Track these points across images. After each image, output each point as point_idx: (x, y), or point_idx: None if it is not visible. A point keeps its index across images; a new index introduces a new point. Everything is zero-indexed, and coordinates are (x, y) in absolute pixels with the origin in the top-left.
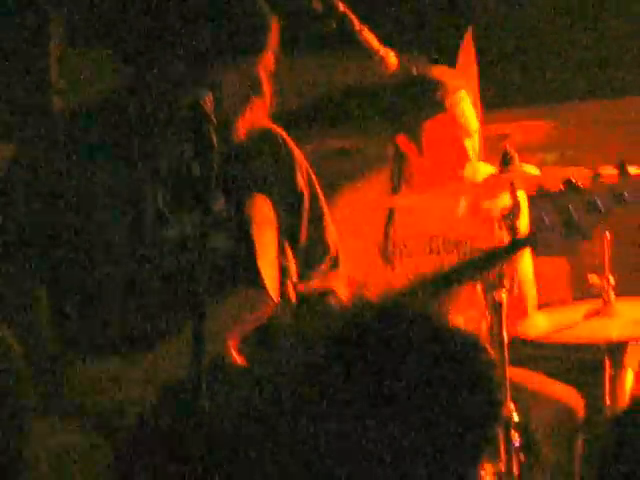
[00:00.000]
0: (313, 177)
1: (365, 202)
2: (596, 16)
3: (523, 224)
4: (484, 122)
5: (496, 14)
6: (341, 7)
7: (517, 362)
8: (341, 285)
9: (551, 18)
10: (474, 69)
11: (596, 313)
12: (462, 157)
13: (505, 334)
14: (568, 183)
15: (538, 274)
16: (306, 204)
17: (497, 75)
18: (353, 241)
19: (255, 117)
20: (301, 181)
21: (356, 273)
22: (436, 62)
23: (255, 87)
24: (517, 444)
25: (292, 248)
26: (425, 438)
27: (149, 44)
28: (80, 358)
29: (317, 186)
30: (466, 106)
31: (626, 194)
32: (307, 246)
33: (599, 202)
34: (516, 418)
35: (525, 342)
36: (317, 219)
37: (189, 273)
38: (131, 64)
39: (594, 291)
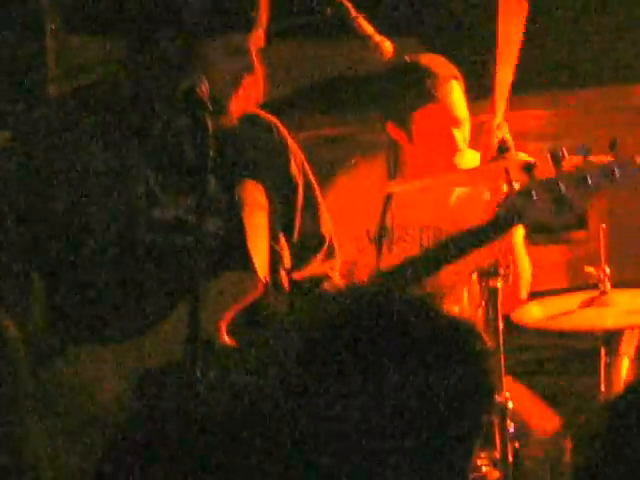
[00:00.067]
0: (307, 167)
1: (360, 189)
2: (598, 2)
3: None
4: (481, 110)
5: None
6: None
7: (513, 350)
8: (336, 272)
9: (551, 4)
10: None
11: (591, 302)
12: (451, 147)
13: (500, 321)
14: (555, 156)
15: (534, 263)
16: (300, 193)
17: (495, 62)
18: (344, 227)
19: (248, 97)
20: (295, 170)
21: (346, 258)
22: (430, 50)
23: (247, 65)
24: (512, 431)
25: (286, 237)
26: (419, 425)
27: (141, 22)
28: (73, 344)
29: (311, 176)
30: (457, 96)
31: (617, 171)
32: (301, 236)
33: (589, 179)
34: (511, 405)
35: (521, 330)
36: (312, 209)
37: (182, 256)
38: (126, 45)
39: (591, 281)
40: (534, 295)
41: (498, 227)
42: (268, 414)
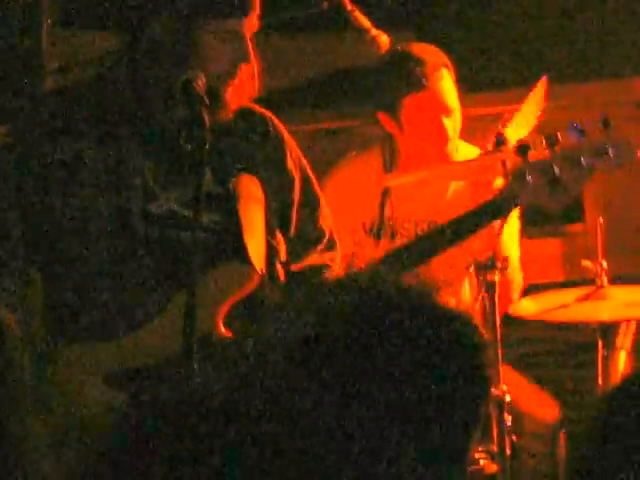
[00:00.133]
0: (304, 161)
1: (356, 182)
2: None
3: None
4: (479, 103)
5: None
6: None
7: (511, 344)
8: (336, 264)
9: None
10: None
11: (588, 297)
12: (441, 135)
13: (498, 314)
14: (549, 138)
15: (531, 257)
16: (296, 188)
17: (493, 55)
18: (341, 220)
19: (244, 87)
20: (291, 165)
21: (344, 251)
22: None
23: (242, 53)
24: (509, 424)
25: (283, 232)
26: (415, 418)
27: (136, 10)
28: (70, 341)
29: (309, 170)
30: (447, 84)
31: (611, 151)
32: (299, 231)
33: (583, 159)
34: (508, 399)
35: (518, 323)
36: (310, 203)
37: (178, 250)
38: (122, 36)
39: (587, 275)
40: (531, 288)
41: (494, 210)
42: (266, 406)
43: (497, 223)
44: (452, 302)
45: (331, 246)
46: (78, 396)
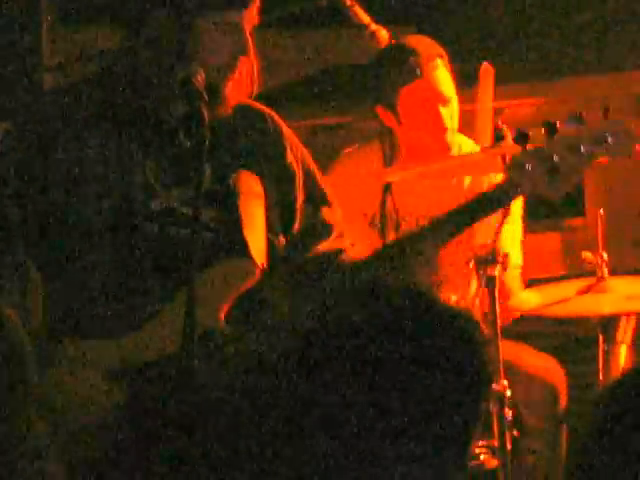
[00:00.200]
0: (307, 156)
1: (357, 175)
2: None
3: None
4: (476, 98)
5: None
6: None
7: (510, 338)
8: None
9: None
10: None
11: (589, 289)
12: (438, 124)
13: (498, 309)
14: (548, 126)
15: (531, 251)
16: (299, 183)
17: (491, 50)
18: (342, 211)
19: (243, 83)
20: (292, 160)
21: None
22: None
23: (241, 45)
24: (509, 419)
25: (287, 228)
26: (416, 415)
27: (137, 5)
28: (70, 340)
29: (312, 164)
30: (442, 74)
31: (609, 138)
32: (305, 226)
33: (582, 146)
34: (509, 393)
35: (518, 318)
36: (314, 198)
37: (177, 247)
38: (122, 31)
39: (587, 268)
40: (531, 283)
41: (494, 200)
42: (271, 402)
43: (498, 216)
44: (453, 298)
45: (341, 237)
46: (78, 395)
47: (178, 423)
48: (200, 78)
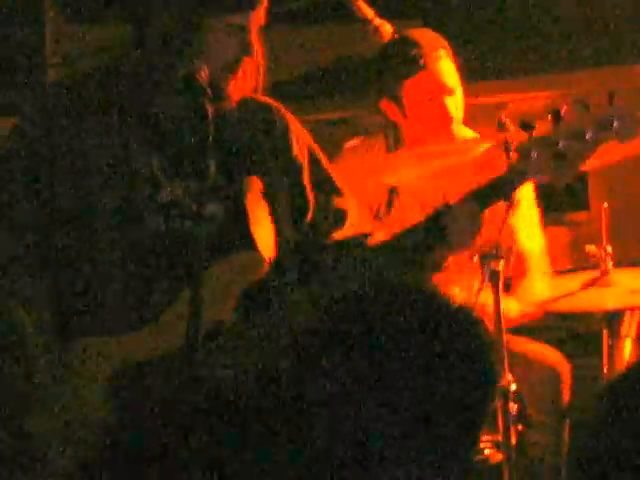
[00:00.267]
0: (315, 146)
1: (360, 169)
2: None
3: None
4: (481, 91)
5: None
6: None
7: (515, 332)
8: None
9: None
10: None
11: (593, 283)
12: (444, 115)
13: (502, 304)
14: (554, 113)
15: None
16: (305, 173)
17: (495, 43)
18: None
19: (247, 81)
20: (297, 151)
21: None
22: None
23: (246, 47)
24: (515, 413)
25: (300, 219)
26: (420, 412)
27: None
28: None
29: (320, 153)
30: (446, 65)
31: (615, 123)
32: (317, 214)
33: (587, 132)
34: (514, 387)
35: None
36: (323, 187)
37: (183, 241)
38: (126, 25)
39: (592, 261)
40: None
41: (500, 187)
42: (282, 395)
43: (502, 211)
44: (457, 293)
45: (358, 225)
46: (84, 393)
47: (183, 421)
48: (204, 74)
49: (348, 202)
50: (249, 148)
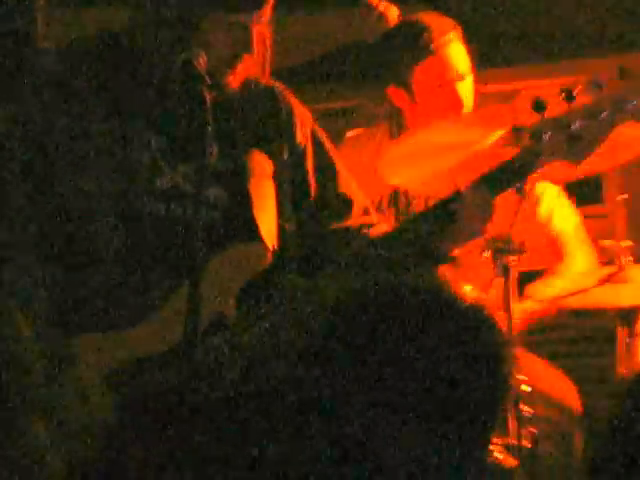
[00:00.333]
0: (320, 130)
1: (363, 159)
2: None
3: None
4: (491, 79)
5: None
6: None
7: (527, 330)
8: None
9: None
10: None
11: (609, 279)
12: (454, 102)
13: (513, 300)
14: (567, 93)
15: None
16: (309, 157)
17: (505, 28)
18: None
19: (247, 72)
20: (301, 135)
21: None
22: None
23: (246, 44)
24: (528, 415)
25: (303, 203)
26: (431, 414)
27: None
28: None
29: (324, 137)
30: (456, 48)
31: (629, 104)
32: (320, 200)
33: (601, 113)
34: (526, 388)
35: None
36: (326, 171)
37: (185, 228)
38: (121, 10)
39: (607, 256)
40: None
41: (512, 172)
42: (282, 394)
43: (513, 203)
44: (468, 289)
45: (365, 212)
46: (83, 392)
47: (183, 419)
48: (202, 60)
49: (351, 190)
50: (253, 132)
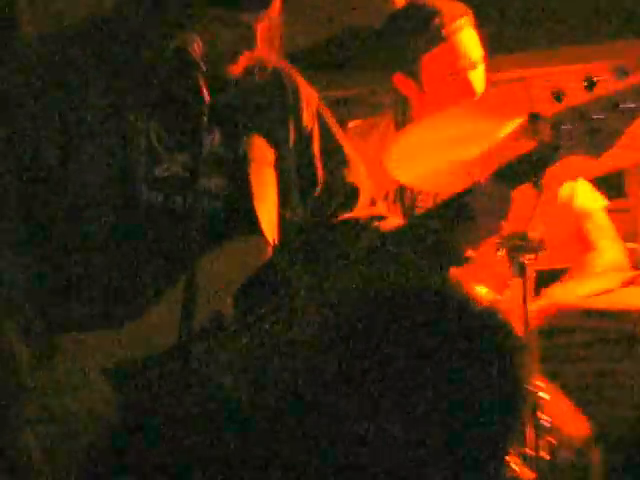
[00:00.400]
0: (325, 111)
1: (368, 149)
2: None
3: None
4: (503, 66)
5: None
6: None
7: (546, 334)
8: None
9: None
10: None
11: (633, 280)
12: (467, 91)
13: (530, 301)
14: (588, 81)
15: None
16: (315, 140)
17: (517, 11)
18: None
19: (249, 60)
20: (307, 117)
21: None
22: None
23: (248, 41)
24: (547, 425)
25: (308, 192)
26: (444, 425)
27: None
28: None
29: (330, 119)
30: (468, 34)
31: None
32: (327, 189)
33: (625, 102)
34: (545, 396)
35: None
36: (332, 156)
37: (183, 219)
38: None
39: (634, 260)
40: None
41: (531, 164)
42: (292, 402)
43: (530, 199)
44: (483, 291)
45: (372, 204)
46: (75, 394)
47: (176, 426)
48: (197, 47)
49: (359, 177)
50: (258, 113)
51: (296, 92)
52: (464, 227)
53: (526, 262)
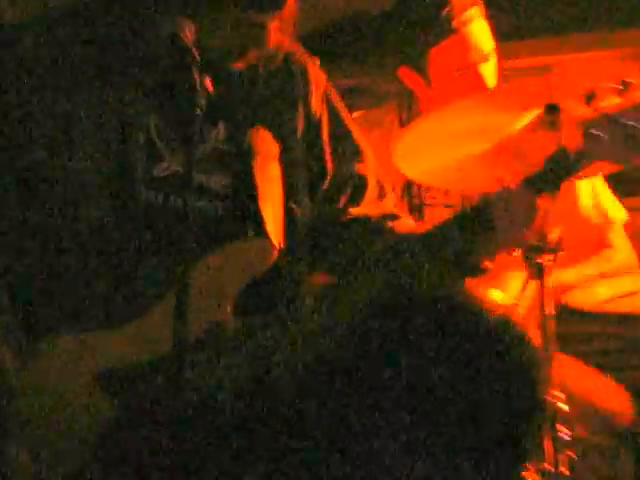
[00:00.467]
0: (335, 96)
1: (372, 140)
2: None
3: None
4: (523, 52)
5: None
6: None
7: (569, 340)
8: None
9: None
10: None
11: None
12: (479, 85)
13: (547, 305)
14: (625, 83)
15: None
16: (324, 130)
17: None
18: None
19: (255, 56)
20: (316, 103)
21: None
22: None
23: (259, 41)
24: (567, 438)
25: (317, 185)
26: (461, 439)
27: None
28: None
29: (341, 107)
30: (478, 25)
31: None
32: (337, 181)
33: None
34: (564, 407)
35: (580, 315)
36: (342, 145)
37: (185, 221)
38: None
39: None
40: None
41: (564, 170)
42: (297, 409)
43: (546, 197)
44: (497, 296)
45: (381, 194)
46: (66, 397)
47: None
48: (189, 33)
49: (368, 166)
50: (260, 106)
51: (305, 76)
52: (484, 238)
53: (544, 263)
